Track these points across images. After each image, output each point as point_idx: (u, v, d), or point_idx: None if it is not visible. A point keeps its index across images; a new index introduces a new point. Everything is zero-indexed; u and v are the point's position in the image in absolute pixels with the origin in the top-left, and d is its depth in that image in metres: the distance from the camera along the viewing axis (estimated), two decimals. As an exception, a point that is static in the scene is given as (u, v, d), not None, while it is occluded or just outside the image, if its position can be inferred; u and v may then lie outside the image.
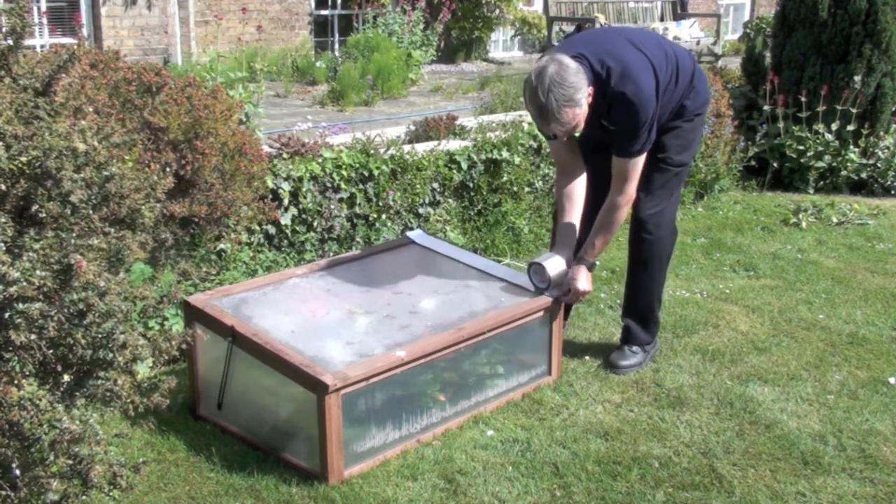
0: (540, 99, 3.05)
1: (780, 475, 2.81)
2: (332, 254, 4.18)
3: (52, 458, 1.98)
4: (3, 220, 1.87)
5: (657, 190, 3.45)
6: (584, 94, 3.08)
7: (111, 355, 2.02)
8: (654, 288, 3.61)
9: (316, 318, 3.07)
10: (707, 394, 3.34)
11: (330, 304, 3.15)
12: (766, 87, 6.76)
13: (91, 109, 2.89)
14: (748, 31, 15.09)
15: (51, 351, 1.97)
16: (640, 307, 3.60)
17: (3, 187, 1.92)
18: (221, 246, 3.74)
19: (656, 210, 3.47)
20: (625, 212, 3.37)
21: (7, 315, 1.89)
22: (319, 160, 4.18)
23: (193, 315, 2.98)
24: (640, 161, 3.27)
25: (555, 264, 3.33)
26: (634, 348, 3.58)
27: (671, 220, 3.57)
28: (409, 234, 3.80)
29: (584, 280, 3.34)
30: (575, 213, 3.44)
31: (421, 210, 4.62)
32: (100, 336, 2.01)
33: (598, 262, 3.52)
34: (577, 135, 3.44)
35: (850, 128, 6.54)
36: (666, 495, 2.69)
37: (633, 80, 3.14)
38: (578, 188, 3.47)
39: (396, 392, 2.88)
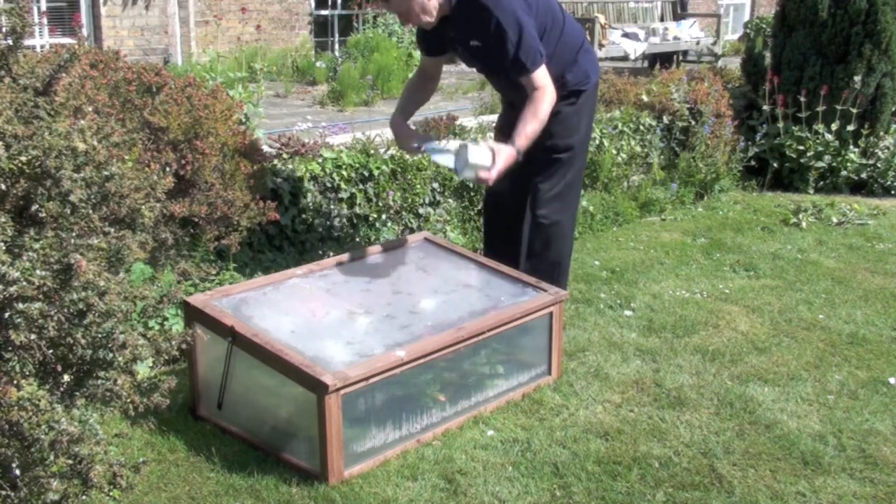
0: None
1: (780, 475, 2.81)
2: (331, 254, 4.18)
3: (51, 458, 1.98)
4: (3, 219, 1.87)
5: (549, 171, 3.50)
6: None
7: (111, 355, 2.02)
8: (558, 275, 3.65)
9: (316, 318, 3.07)
10: (707, 394, 3.34)
11: (330, 304, 3.15)
12: (766, 87, 6.76)
13: (91, 109, 2.90)
14: (748, 31, 15.10)
15: (51, 351, 1.97)
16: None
17: (3, 187, 1.92)
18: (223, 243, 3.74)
19: (552, 193, 3.53)
20: (549, 101, 3.29)
21: (7, 315, 1.89)
22: (319, 160, 4.18)
23: (193, 315, 2.97)
24: (541, 71, 3.26)
25: (478, 151, 3.15)
26: None
27: (569, 199, 3.63)
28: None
29: (504, 160, 3.19)
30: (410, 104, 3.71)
31: (421, 210, 4.62)
32: (100, 336, 2.01)
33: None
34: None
35: (850, 128, 6.54)
36: (666, 495, 2.69)
37: None
38: (422, 91, 3.77)
39: (396, 392, 2.88)
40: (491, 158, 3.13)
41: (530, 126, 3.26)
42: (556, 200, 3.55)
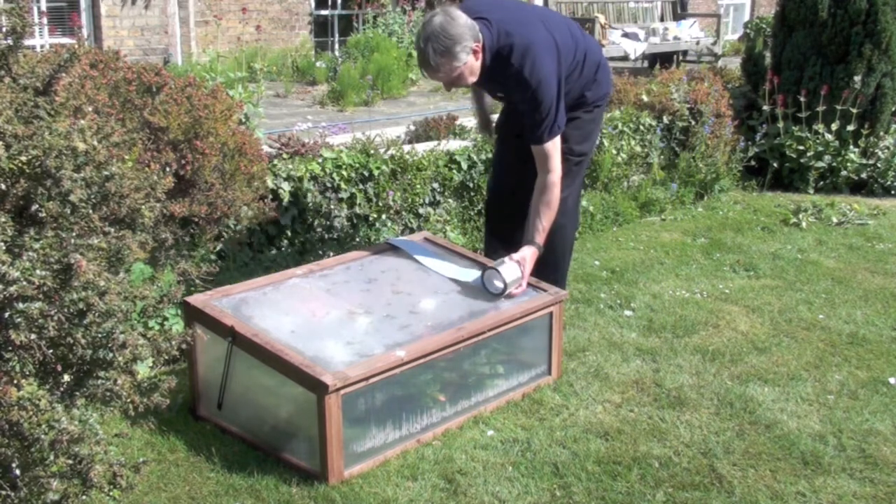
0: (419, 45, 3.21)
1: (780, 475, 2.81)
2: (331, 254, 4.17)
3: (52, 458, 1.97)
4: (3, 219, 1.87)
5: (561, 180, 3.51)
6: (464, 49, 3.16)
7: (111, 355, 2.02)
8: (557, 276, 3.68)
9: (316, 318, 3.07)
10: (707, 394, 3.34)
11: (330, 304, 3.15)
12: (766, 87, 6.76)
13: (91, 109, 2.90)
14: (748, 31, 15.10)
15: (51, 351, 1.97)
16: None
17: (3, 187, 1.92)
18: (221, 246, 3.74)
19: (560, 197, 3.52)
20: (559, 189, 3.40)
21: (7, 315, 1.89)
22: (319, 160, 4.18)
23: (193, 315, 2.97)
24: (554, 144, 3.34)
25: (509, 271, 3.27)
26: None
27: (573, 208, 3.71)
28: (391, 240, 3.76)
29: (531, 265, 3.35)
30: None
31: (421, 210, 4.62)
32: (100, 336, 2.01)
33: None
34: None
35: (850, 128, 6.54)
36: (666, 495, 2.69)
37: (532, 59, 3.23)
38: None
39: (396, 392, 2.88)
40: (520, 270, 3.29)
41: (546, 219, 3.40)
42: (561, 204, 3.56)
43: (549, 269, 3.63)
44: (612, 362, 3.58)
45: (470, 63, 3.21)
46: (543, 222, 3.39)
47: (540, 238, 3.39)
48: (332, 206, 4.20)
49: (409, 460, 2.82)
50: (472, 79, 3.30)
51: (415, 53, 9.38)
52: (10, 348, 1.92)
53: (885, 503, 2.69)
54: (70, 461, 1.97)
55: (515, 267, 3.29)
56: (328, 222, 4.20)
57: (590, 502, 2.66)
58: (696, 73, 7.14)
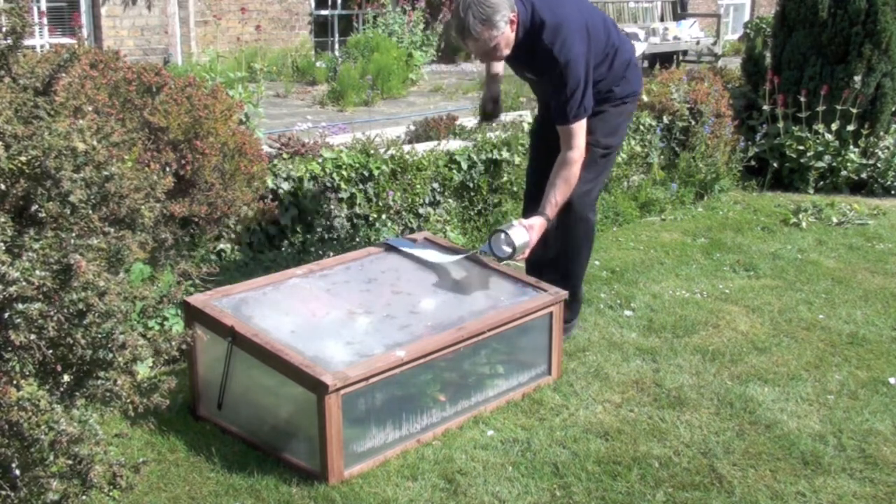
0: (459, 14, 3.19)
1: (780, 475, 2.81)
2: (332, 254, 4.18)
3: (51, 458, 1.98)
4: (2, 219, 1.87)
5: (585, 171, 3.50)
6: (503, 18, 3.18)
7: (111, 355, 2.02)
8: (577, 268, 3.70)
9: (316, 318, 3.07)
10: (707, 394, 3.34)
11: (330, 304, 3.15)
12: (766, 87, 6.76)
13: (91, 109, 2.89)
14: (748, 31, 15.10)
15: (50, 351, 1.97)
16: (564, 286, 3.58)
17: (3, 187, 1.92)
18: (221, 246, 3.74)
19: (584, 189, 3.53)
20: (578, 166, 3.41)
21: (7, 315, 1.89)
22: (319, 160, 4.18)
23: (193, 315, 2.97)
24: (580, 125, 3.34)
25: (518, 234, 3.27)
26: None
27: (594, 202, 3.71)
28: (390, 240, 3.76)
29: (538, 233, 3.36)
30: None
31: (421, 210, 4.62)
32: (99, 336, 2.01)
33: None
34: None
35: (850, 128, 6.54)
36: (666, 495, 2.69)
37: (563, 37, 3.25)
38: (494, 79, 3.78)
39: (396, 392, 2.88)
40: (528, 236, 3.30)
41: (561, 194, 3.39)
42: (585, 197, 3.57)
43: (570, 262, 3.64)
44: (612, 362, 3.58)
45: (507, 33, 3.23)
46: (558, 196, 3.38)
47: (551, 211, 3.38)
48: (332, 206, 4.20)
49: (409, 460, 2.82)
50: (507, 51, 3.31)
51: (415, 54, 9.42)
52: (10, 348, 1.91)
53: (885, 503, 2.69)
54: (70, 461, 1.97)
55: (524, 231, 3.28)
56: (328, 222, 4.20)
57: (590, 502, 2.66)
58: (696, 73, 7.14)
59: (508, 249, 3.26)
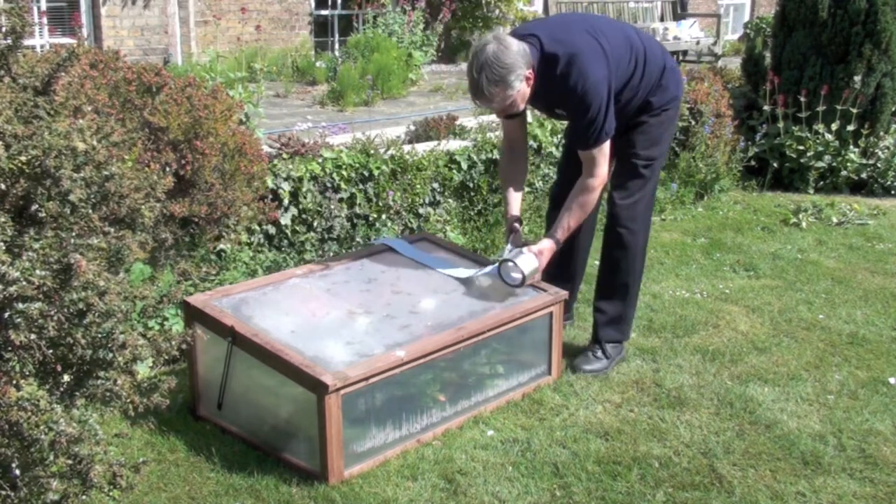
0: (472, 75, 3.12)
1: (780, 475, 2.81)
2: (331, 254, 4.18)
3: (51, 458, 1.97)
4: (2, 219, 1.87)
5: (628, 183, 3.47)
6: (517, 77, 3.10)
7: (111, 355, 2.02)
8: (629, 284, 3.58)
9: (316, 318, 3.07)
10: (707, 394, 3.34)
11: (330, 304, 3.14)
12: (766, 87, 6.76)
13: (91, 109, 2.89)
14: (748, 31, 15.10)
15: (51, 351, 1.97)
16: (614, 303, 3.58)
17: (3, 187, 1.92)
18: (221, 246, 3.74)
19: (629, 202, 3.47)
20: (597, 194, 3.37)
21: (7, 315, 1.89)
22: (319, 160, 4.18)
23: (193, 315, 2.97)
24: (601, 151, 3.27)
25: (527, 261, 3.27)
26: (599, 353, 3.54)
27: (645, 213, 3.55)
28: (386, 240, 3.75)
29: (547, 259, 3.33)
30: (515, 200, 3.51)
31: (421, 210, 4.62)
32: (100, 336, 2.01)
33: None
34: (527, 116, 3.59)
35: (850, 128, 6.54)
36: (666, 495, 2.69)
37: (578, 67, 3.14)
38: (519, 172, 3.59)
39: (396, 392, 2.88)
40: (538, 261, 3.29)
41: (574, 219, 3.35)
42: (630, 210, 3.47)
43: (620, 278, 3.54)
44: (612, 362, 3.58)
45: (522, 90, 3.15)
46: (571, 221, 3.35)
47: (562, 234, 3.35)
48: (332, 206, 4.20)
49: (409, 460, 2.82)
50: (523, 105, 3.25)
51: (415, 54, 9.41)
52: (10, 348, 1.91)
53: (885, 503, 2.69)
54: (70, 461, 1.97)
55: (532, 258, 3.26)
56: (328, 222, 4.20)
57: (590, 502, 2.66)
58: (696, 73, 7.14)
59: (518, 277, 3.27)
